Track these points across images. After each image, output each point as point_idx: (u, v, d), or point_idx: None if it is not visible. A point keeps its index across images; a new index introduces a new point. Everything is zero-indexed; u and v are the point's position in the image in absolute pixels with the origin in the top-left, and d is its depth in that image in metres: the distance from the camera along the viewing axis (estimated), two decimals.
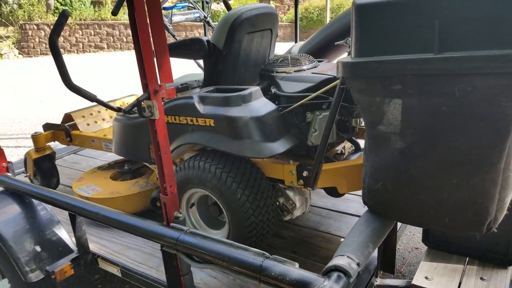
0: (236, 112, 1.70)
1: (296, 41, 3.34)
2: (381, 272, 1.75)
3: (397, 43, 1.13)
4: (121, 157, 2.73)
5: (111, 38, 15.43)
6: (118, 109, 1.94)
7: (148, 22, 1.38)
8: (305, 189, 1.91)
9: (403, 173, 1.23)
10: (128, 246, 2.13)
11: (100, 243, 2.19)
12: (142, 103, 1.41)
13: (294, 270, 1.20)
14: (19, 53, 15.77)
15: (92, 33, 15.56)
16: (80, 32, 15.59)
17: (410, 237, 2.88)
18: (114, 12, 1.32)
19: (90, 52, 15.58)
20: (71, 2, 15.83)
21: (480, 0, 1.00)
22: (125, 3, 1.35)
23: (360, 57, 1.21)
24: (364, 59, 1.20)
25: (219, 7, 13.84)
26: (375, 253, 1.76)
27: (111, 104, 1.82)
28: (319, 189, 2.00)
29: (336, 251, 1.26)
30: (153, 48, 1.40)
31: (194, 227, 2.00)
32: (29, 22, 15.62)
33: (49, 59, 14.88)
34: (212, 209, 1.92)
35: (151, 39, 1.39)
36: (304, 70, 1.94)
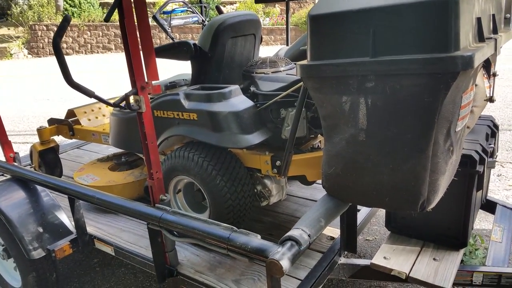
0: (216, 108, 1.91)
1: (287, 44, 3.56)
2: (345, 252, 1.94)
3: (342, 49, 1.34)
4: (119, 150, 2.95)
5: (119, 39, 15.76)
6: (111, 104, 2.17)
7: (137, 27, 1.60)
8: (280, 178, 2.12)
9: (350, 159, 1.43)
10: (122, 229, 2.35)
11: (97, 226, 2.41)
12: (131, 97, 1.63)
13: (255, 240, 1.41)
14: (29, 53, 16.17)
15: (100, 34, 15.90)
16: (89, 33, 15.94)
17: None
18: (106, 19, 1.54)
19: (98, 53, 15.92)
20: (80, 3, 16.15)
21: (404, 12, 1.20)
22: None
23: (314, 60, 1.41)
24: (317, 62, 1.40)
25: (224, 10, 14.12)
26: (339, 235, 1.96)
27: (110, 101, 2.04)
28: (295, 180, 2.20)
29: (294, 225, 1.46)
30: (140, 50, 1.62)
31: None
32: (38, 23, 16.01)
33: None
34: (196, 195, 2.14)
35: (139, 42, 1.61)
36: (281, 71, 2.15)
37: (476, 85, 1.68)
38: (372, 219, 2.95)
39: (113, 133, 2.43)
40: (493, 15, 1.64)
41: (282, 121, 2.01)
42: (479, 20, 1.38)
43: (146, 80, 1.64)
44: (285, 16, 3.59)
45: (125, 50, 1.59)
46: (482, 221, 3.00)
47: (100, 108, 3.18)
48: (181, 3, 3.67)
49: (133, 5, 1.57)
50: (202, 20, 3.72)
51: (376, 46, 1.26)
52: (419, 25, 1.19)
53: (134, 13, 1.58)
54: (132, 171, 2.68)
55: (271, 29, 12.95)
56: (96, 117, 3.13)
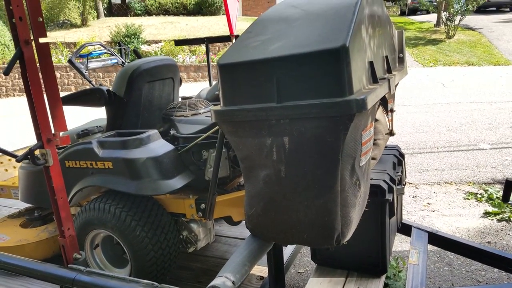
0: (133, 154, 1.85)
1: (210, 84, 3.62)
2: None
3: (251, 95, 1.39)
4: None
5: None
6: (15, 158, 2.01)
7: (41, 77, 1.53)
8: (206, 221, 2.08)
9: (268, 199, 1.46)
10: None
11: None
12: (36, 152, 1.52)
13: None
14: None
15: (17, 76, 14.83)
16: (3, 75, 14.82)
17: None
18: (6, 73, 1.44)
19: (14, 96, 14.78)
20: None
21: (302, 61, 1.30)
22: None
23: (226, 106, 1.45)
24: (229, 107, 1.44)
25: (150, 48, 14.06)
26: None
27: (21, 152, 1.89)
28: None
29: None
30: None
31: (99, 268, 2.06)
32: None
33: None
34: (116, 249, 2.01)
35: (44, 93, 1.53)
36: (200, 113, 2.17)
37: (377, 120, 1.84)
38: (302, 250, 3.01)
39: (22, 187, 2.23)
40: (386, 56, 1.83)
41: (204, 162, 2.01)
42: (371, 63, 1.53)
43: (53, 131, 1.55)
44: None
45: (28, 102, 1.50)
46: (403, 243, 3.20)
47: (10, 160, 2.92)
48: (99, 46, 3.61)
49: (36, 54, 1.50)
50: (122, 62, 3.69)
51: (280, 92, 1.33)
52: (316, 73, 1.29)
53: (38, 62, 1.51)
54: (46, 227, 2.46)
55: (198, 66, 13.14)
56: (6, 170, 2.86)
